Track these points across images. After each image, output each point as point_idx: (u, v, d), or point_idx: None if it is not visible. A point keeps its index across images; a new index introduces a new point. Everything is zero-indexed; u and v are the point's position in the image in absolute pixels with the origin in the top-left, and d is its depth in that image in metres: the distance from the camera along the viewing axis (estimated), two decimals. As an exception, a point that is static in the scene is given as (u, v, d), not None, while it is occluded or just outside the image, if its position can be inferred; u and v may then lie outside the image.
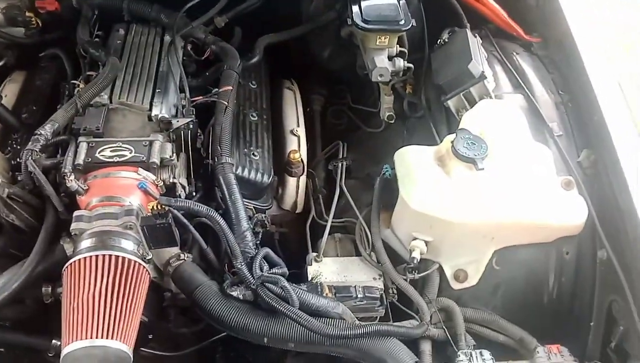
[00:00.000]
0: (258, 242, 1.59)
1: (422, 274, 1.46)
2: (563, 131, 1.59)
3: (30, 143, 1.37)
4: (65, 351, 1.09)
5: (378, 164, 1.87)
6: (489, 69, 1.71)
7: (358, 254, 1.57)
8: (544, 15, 1.89)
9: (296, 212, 1.77)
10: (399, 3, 1.73)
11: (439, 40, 1.85)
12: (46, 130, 1.41)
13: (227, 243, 1.34)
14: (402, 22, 1.69)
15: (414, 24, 1.71)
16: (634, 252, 1.32)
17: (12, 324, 1.44)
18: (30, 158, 1.35)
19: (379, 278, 1.47)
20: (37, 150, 1.37)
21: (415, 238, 1.41)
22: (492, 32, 1.94)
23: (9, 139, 1.66)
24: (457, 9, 1.87)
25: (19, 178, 1.40)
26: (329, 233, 1.61)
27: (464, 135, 1.40)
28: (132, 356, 1.13)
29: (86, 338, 1.09)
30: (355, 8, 1.71)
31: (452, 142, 1.39)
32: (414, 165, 1.43)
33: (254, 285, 1.30)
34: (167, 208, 1.26)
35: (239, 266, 1.31)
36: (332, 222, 1.66)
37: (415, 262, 1.39)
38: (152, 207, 1.26)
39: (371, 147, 1.99)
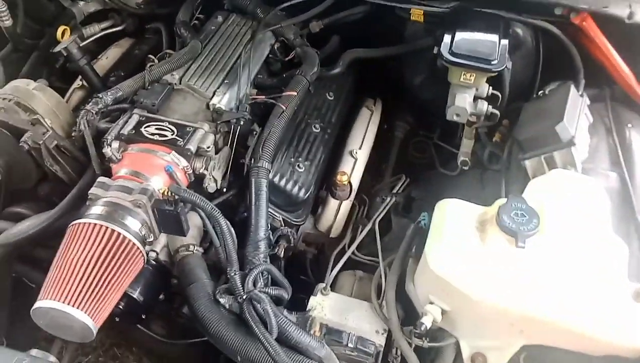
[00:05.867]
0: (281, 254, 1.53)
1: (432, 344, 1.28)
2: None
3: (89, 104, 1.45)
4: (36, 305, 1.12)
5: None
6: (586, 136, 1.45)
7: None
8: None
9: (330, 236, 1.67)
10: (499, 42, 1.54)
11: (540, 92, 1.62)
12: (107, 95, 1.47)
13: (225, 248, 1.29)
14: (495, 62, 1.49)
15: (508, 67, 1.51)
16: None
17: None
18: (85, 118, 1.42)
19: (383, 333, 1.32)
20: (94, 111, 1.44)
21: (431, 302, 1.24)
22: (619, 95, 1.65)
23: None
24: (575, 58, 1.61)
25: (72, 134, 1.48)
26: (352, 269, 1.49)
27: (515, 203, 1.19)
28: (95, 331, 1.13)
29: (58, 300, 1.11)
30: (447, 38, 1.55)
31: (499, 207, 1.20)
32: (450, 220, 1.25)
33: (241, 298, 1.24)
34: (176, 196, 1.25)
35: (232, 274, 1.26)
36: (363, 259, 1.54)
37: (422, 328, 1.22)
38: (163, 192, 1.25)
39: (439, 190, 1.82)
